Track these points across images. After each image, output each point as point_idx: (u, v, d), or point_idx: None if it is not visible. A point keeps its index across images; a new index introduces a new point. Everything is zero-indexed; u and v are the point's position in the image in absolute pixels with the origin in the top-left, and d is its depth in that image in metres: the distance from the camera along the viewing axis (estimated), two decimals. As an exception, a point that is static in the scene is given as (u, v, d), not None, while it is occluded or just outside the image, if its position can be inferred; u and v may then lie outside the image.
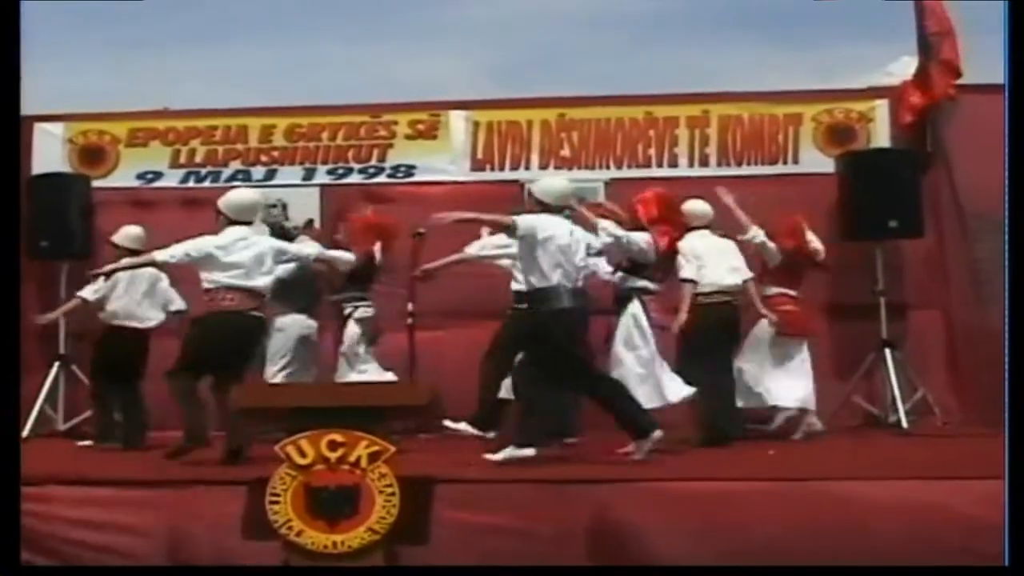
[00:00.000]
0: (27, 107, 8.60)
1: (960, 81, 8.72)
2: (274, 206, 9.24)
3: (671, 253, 7.22)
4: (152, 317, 7.78)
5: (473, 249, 7.58)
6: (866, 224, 8.61)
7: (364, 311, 7.73)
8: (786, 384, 7.72)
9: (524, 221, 6.23)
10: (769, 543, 4.88)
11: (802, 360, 7.81)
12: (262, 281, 6.58)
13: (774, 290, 7.81)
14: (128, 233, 7.89)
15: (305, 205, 9.25)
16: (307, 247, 7.38)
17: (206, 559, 5.09)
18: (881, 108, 9.27)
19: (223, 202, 6.76)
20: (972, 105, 8.58)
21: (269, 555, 4.85)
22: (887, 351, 8.43)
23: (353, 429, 4.83)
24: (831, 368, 8.78)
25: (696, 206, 7.72)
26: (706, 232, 7.67)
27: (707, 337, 7.36)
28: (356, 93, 10.02)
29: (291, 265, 7.35)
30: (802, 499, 5.07)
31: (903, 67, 9.25)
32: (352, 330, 7.72)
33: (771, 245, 7.75)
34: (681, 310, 7.23)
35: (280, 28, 13.77)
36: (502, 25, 14.34)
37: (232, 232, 6.60)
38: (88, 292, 7.90)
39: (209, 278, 6.52)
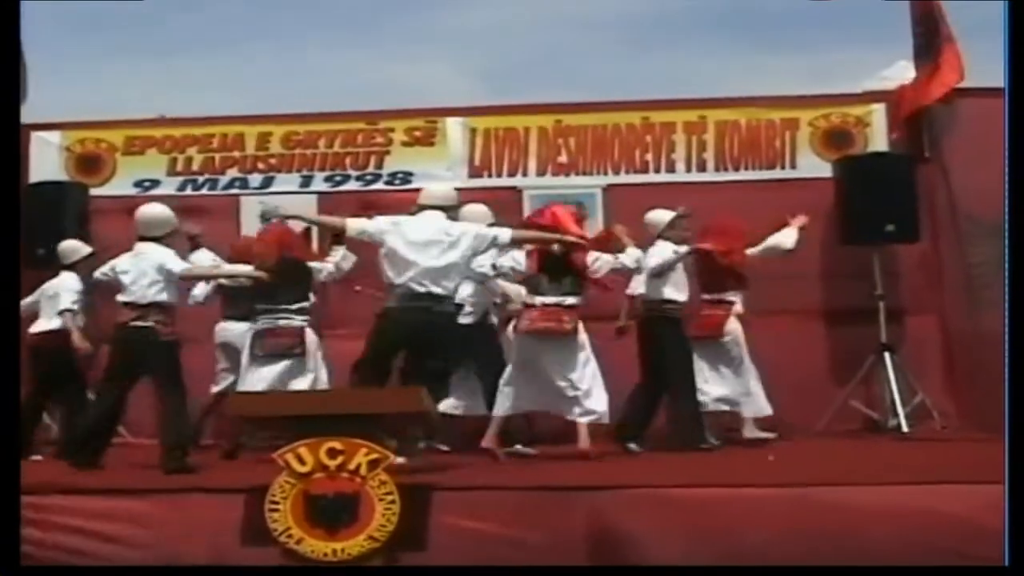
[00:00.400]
0: (24, 116, 8.65)
1: (957, 85, 8.71)
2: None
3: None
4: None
5: None
6: (863, 228, 8.60)
7: (264, 323, 7.63)
8: (709, 388, 7.77)
9: (353, 224, 6.59)
10: (768, 549, 4.87)
11: (730, 363, 7.84)
12: (150, 295, 6.74)
13: (705, 296, 7.91)
14: (63, 248, 8.04)
15: (303, 212, 9.25)
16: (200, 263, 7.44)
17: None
18: (878, 112, 9.26)
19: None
20: (968, 109, 8.59)
21: (268, 563, 4.85)
22: (886, 355, 8.42)
23: (353, 436, 4.83)
24: (830, 372, 8.81)
25: (651, 216, 7.76)
26: (660, 242, 7.67)
27: (643, 347, 7.59)
28: (353, 100, 10.06)
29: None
30: (802, 504, 5.06)
31: (900, 71, 9.25)
32: (247, 342, 7.72)
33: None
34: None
35: (276, 36, 13.84)
36: (499, 32, 14.41)
37: (135, 248, 6.91)
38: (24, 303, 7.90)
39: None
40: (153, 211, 7.10)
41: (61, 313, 7.69)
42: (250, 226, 9.15)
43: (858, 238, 8.67)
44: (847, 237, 8.73)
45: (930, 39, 8.82)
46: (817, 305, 8.89)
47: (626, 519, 5.04)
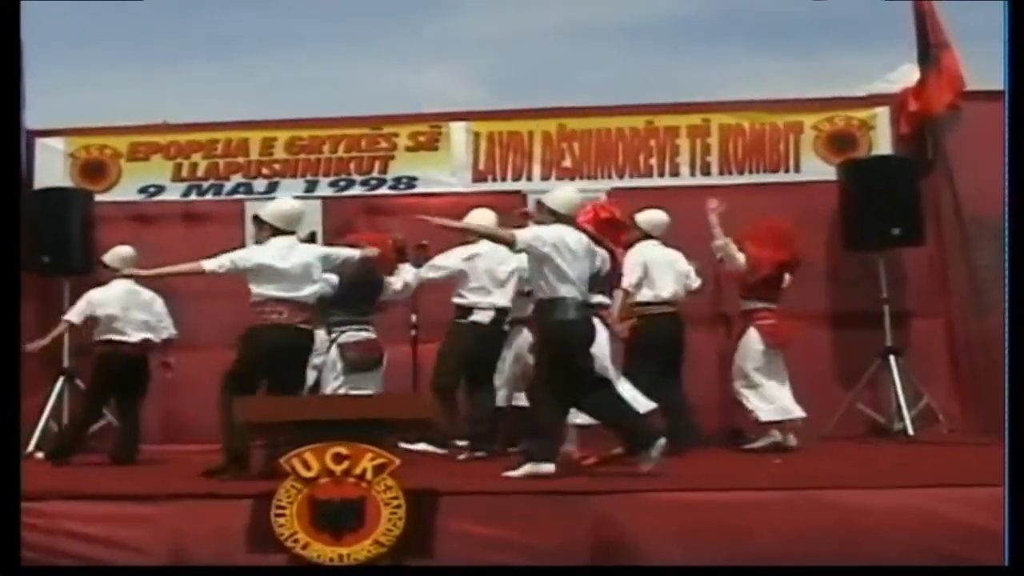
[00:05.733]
0: (28, 122, 8.68)
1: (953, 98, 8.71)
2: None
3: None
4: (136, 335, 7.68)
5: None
6: (868, 232, 8.59)
7: (350, 335, 7.54)
8: (785, 395, 7.70)
9: (523, 234, 6.16)
10: (774, 551, 4.87)
11: (784, 371, 7.79)
12: (308, 292, 6.56)
13: (755, 304, 7.78)
14: (117, 253, 7.82)
15: (307, 218, 9.26)
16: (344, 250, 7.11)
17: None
18: (882, 116, 9.25)
19: (267, 212, 6.73)
20: (973, 112, 8.58)
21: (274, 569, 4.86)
22: (892, 358, 8.41)
23: (359, 442, 4.83)
24: (835, 376, 8.80)
25: (653, 216, 7.79)
26: (656, 243, 7.71)
27: (649, 348, 7.41)
28: (357, 105, 10.05)
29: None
30: (808, 508, 5.05)
31: (904, 75, 9.25)
32: (333, 354, 7.54)
33: (738, 256, 7.70)
34: (616, 319, 7.09)
35: (280, 42, 13.84)
36: (502, 37, 14.40)
37: (278, 242, 6.59)
38: (74, 315, 7.73)
39: (257, 291, 6.49)
40: (287, 204, 7.03)
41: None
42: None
43: (863, 242, 8.66)
44: (852, 241, 8.73)
45: (930, 46, 8.82)
46: (823, 309, 8.87)
47: (632, 523, 5.04)
